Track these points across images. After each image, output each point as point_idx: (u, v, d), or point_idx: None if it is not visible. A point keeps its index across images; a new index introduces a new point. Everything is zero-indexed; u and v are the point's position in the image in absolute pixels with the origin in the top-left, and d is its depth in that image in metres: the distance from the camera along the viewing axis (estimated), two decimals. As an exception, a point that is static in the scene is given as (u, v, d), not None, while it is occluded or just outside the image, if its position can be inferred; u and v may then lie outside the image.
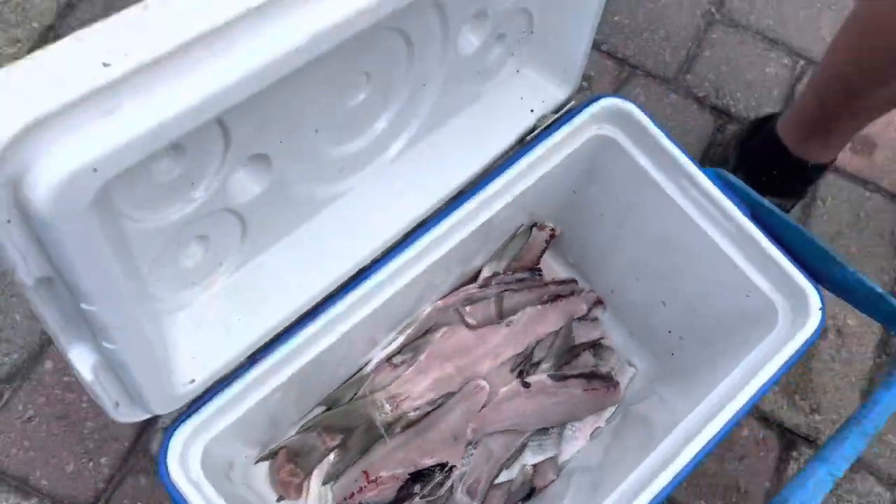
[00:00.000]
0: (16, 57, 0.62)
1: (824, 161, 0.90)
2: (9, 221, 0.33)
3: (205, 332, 0.51)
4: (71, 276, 0.36)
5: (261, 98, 0.39)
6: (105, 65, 0.33)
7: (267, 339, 0.54)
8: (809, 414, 0.92)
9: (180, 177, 0.43)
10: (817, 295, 0.64)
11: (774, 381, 0.62)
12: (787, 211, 0.95)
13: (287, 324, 0.55)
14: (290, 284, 0.55)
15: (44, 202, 0.32)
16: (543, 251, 0.88)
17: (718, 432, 0.59)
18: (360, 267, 0.59)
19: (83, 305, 0.38)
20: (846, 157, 1.04)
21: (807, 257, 0.65)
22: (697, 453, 0.58)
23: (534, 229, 0.86)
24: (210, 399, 0.54)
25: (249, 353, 0.53)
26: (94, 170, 0.33)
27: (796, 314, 0.64)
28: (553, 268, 0.90)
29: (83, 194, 0.33)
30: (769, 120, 0.95)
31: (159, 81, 0.34)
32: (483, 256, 0.82)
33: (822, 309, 0.63)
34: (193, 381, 0.50)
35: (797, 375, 0.93)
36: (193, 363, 0.50)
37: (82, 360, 0.44)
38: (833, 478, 0.54)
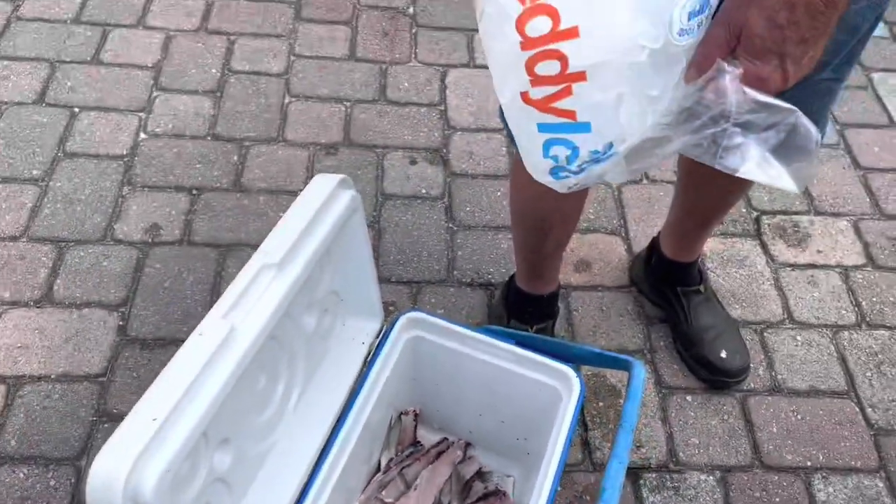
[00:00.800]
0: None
1: (553, 289, 1.34)
2: (133, 522, 0.64)
3: (230, 562, 0.79)
4: (166, 538, 0.66)
5: (219, 411, 0.72)
6: (153, 419, 0.66)
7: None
8: (638, 451, 1.29)
9: (190, 470, 0.75)
10: (571, 369, 1.03)
11: (570, 438, 0.98)
12: (552, 328, 1.37)
13: (274, 539, 0.85)
14: (267, 512, 0.85)
15: (150, 499, 0.63)
16: (415, 428, 1.22)
17: (559, 464, 0.94)
18: (304, 482, 0.90)
19: (174, 555, 0.67)
20: (573, 277, 1.50)
21: (556, 351, 1.05)
22: (553, 478, 0.92)
23: (402, 416, 1.21)
24: None
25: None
26: (169, 471, 0.64)
27: (565, 387, 1.02)
28: (427, 437, 1.23)
29: (165, 486, 0.64)
30: (513, 278, 1.39)
31: (178, 419, 0.68)
32: (376, 452, 1.15)
33: (579, 376, 1.03)
34: None
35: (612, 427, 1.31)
36: (231, 584, 0.78)
37: None
38: (623, 465, 0.90)
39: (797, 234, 1.62)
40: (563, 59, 0.61)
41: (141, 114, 1.70)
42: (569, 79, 0.62)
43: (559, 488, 1.19)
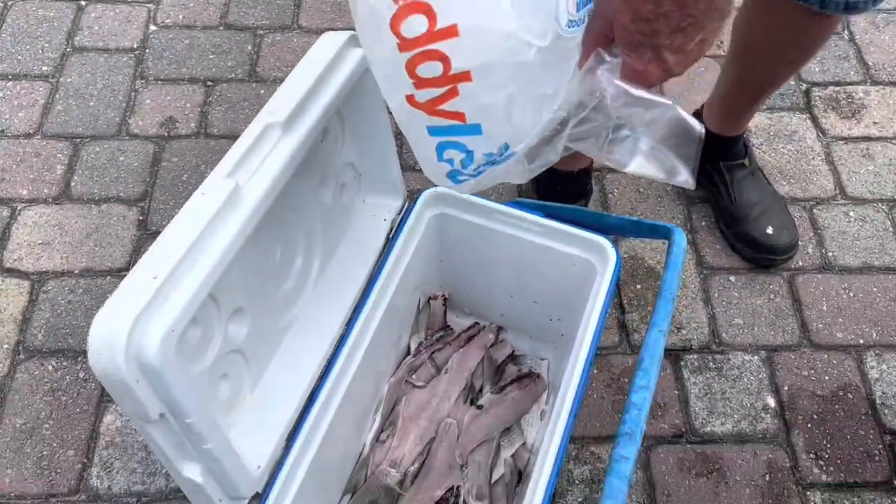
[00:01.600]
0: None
1: (583, 166, 1.27)
2: (137, 381, 0.60)
3: (252, 433, 0.76)
4: (176, 402, 0.62)
5: (227, 277, 0.68)
6: (154, 277, 0.61)
7: (292, 424, 0.80)
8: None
9: (202, 337, 0.71)
10: (607, 240, 0.96)
11: (605, 311, 0.92)
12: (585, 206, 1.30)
13: (295, 413, 0.82)
14: (287, 387, 0.82)
15: (154, 358, 0.59)
16: (445, 313, 1.18)
17: (592, 343, 0.89)
18: (325, 361, 0.86)
19: (186, 420, 0.64)
20: (611, 159, 1.42)
21: (590, 222, 0.98)
22: (577, 388, 0.87)
23: (431, 301, 1.16)
24: (273, 483, 0.78)
25: (284, 438, 0.79)
26: (172, 330, 0.60)
27: (601, 259, 0.96)
28: (458, 322, 1.19)
29: (170, 346, 0.61)
30: None
31: (180, 279, 0.63)
32: (405, 335, 1.11)
33: (614, 246, 0.96)
34: (260, 466, 0.75)
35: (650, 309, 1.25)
36: (255, 455, 0.75)
37: (192, 470, 0.68)
38: (662, 334, 0.84)
39: (851, 105, 1.50)
40: (444, 60, 0.56)
41: (150, 5, 1.62)
42: (453, 80, 0.57)
43: (594, 370, 1.14)
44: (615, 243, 0.98)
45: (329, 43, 0.83)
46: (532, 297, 1.10)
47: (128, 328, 0.58)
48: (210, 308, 0.71)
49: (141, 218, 1.33)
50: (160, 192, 1.36)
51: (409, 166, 1.40)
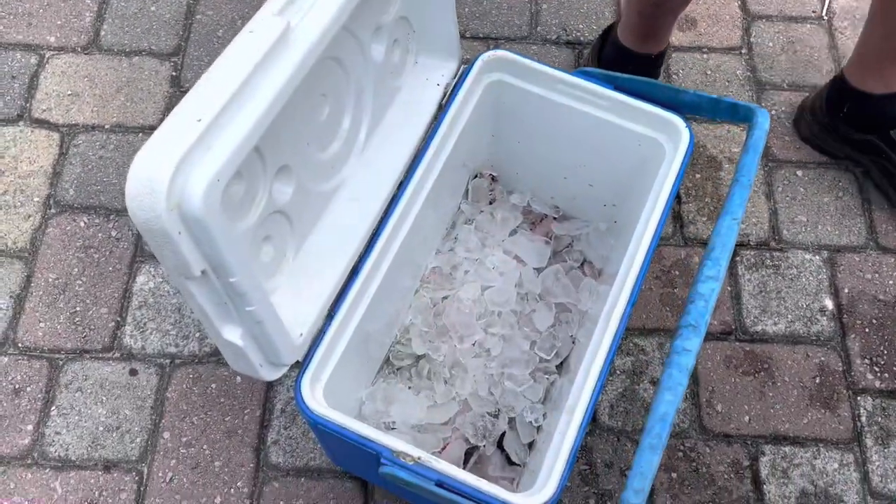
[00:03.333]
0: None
1: (662, 48, 1.16)
2: (179, 233, 0.55)
3: (294, 300, 0.72)
4: (220, 259, 0.58)
5: (273, 129, 0.61)
6: (198, 120, 0.55)
7: (335, 293, 0.75)
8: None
9: (246, 193, 0.65)
10: (680, 119, 0.88)
11: (674, 194, 0.86)
12: None
13: (339, 283, 0.77)
14: (331, 254, 0.77)
15: (198, 208, 0.54)
16: (491, 191, 1.11)
17: (657, 230, 0.83)
18: (372, 231, 0.81)
19: (230, 279, 0.59)
20: (676, 35, 1.31)
21: (662, 98, 0.89)
22: (645, 259, 0.82)
23: (477, 177, 1.10)
24: (314, 352, 0.75)
25: (327, 307, 0.75)
26: (218, 180, 0.55)
27: (671, 139, 0.88)
28: (511, 200, 1.12)
29: (215, 197, 0.55)
30: (610, 31, 1.21)
31: (227, 124, 0.57)
32: (452, 210, 1.06)
33: (688, 126, 0.88)
34: (301, 334, 0.71)
35: (714, 204, 1.18)
36: (296, 322, 0.71)
37: (233, 332, 0.65)
38: (736, 222, 0.78)
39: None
40: None
41: None
42: None
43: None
44: (688, 121, 0.90)
45: None
46: (589, 178, 1.03)
47: (170, 173, 0.53)
48: (255, 162, 0.66)
49: (174, 74, 1.26)
50: (194, 47, 1.28)
51: (464, 33, 1.30)
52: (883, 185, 1.16)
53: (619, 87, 0.91)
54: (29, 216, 1.14)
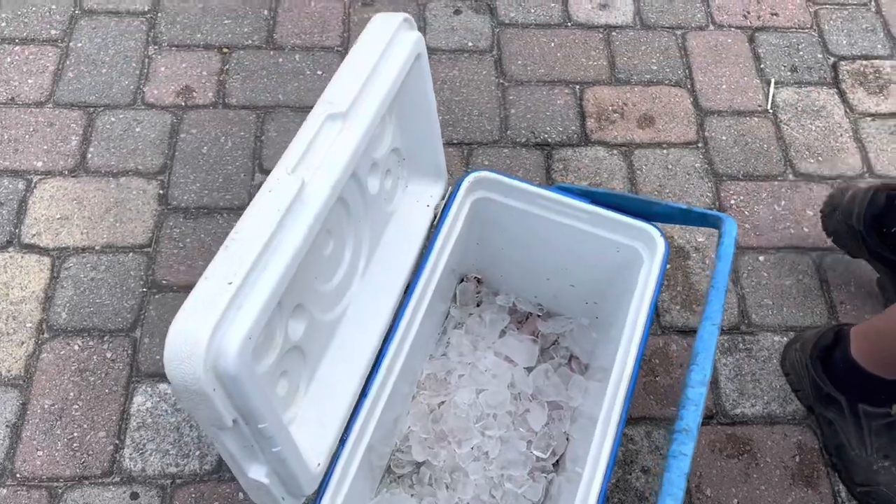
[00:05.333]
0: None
1: None
2: (214, 390, 0.59)
3: (309, 431, 0.75)
4: (250, 407, 0.61)
5: (293, 274, 0.66)
6: (229, 283, 0.59)
7: (347, 417, 0.79)
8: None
9: (266, 338, 0.69)
10: (655, 228, 0.95)
11: (656, 298, 0.92)
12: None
13: (350, 405, 0.81)
14: (341, 379, 0.81)
15: (233, 366, 0.58)
16: (476, 294, 1.17)
17: (639, 347, 0.88)
18: (377, 351, 0.85)
19: (259, 425, 0.63)
20: (637, 133, 1.40)
21: (637, 210, 0.97)
22: (635, 362, 0.87)
23: (464, 282, 1.15)
24: (329, 478, 0.78)
25: (340, 433, 0.78)
26: (250, 338, 0.59)
27: (650, 248, 0.95)
28: (497, 301, 1.17)
29: (247, 354, 0.59)
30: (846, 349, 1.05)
31: (255, 282, 0.61)
32: (443, 315, 1.10)
33: (662, 235, 0.95)
34: (319, 464, 0.74)
35: (686, 292, 1.25)
36: (313, 452, 0.74)
37: (259, 472, 0.67)
38: (715, 327, 0.84)
39: (879, 80, 1.49)
40: None
41: (159, -35, 1.55)
42: None
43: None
44: (663, 231, 0.97)
45: (382, 26, 0.80)
46: (569, 280, 1.09)
47: (207, 337, 0.57)
48: (276, 309, 0.70)
49: (161, 192, 1.30)
50: (180, 165, 1.32)
51: (450, 144, 1.37)
52: None
53: (595, 201, 0.98)
54: (22, 342, 1.15)
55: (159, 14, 1.49)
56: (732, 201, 1.34)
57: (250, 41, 1.47)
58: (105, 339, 1.16)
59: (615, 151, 1.38)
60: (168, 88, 1.40)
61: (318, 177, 0.68)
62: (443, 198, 0.99)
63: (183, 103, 1.38)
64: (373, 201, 0.88)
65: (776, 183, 1.36)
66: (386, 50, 0.79)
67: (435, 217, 0.97)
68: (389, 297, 0.89)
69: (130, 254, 1.24)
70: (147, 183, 1.30)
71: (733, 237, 0.90)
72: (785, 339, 1.21)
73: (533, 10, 1.56)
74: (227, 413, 0.61)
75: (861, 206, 1.15)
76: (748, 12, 1.57)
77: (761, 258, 1.29)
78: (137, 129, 1.35)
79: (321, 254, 0.80)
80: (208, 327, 0.57)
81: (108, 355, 1.15)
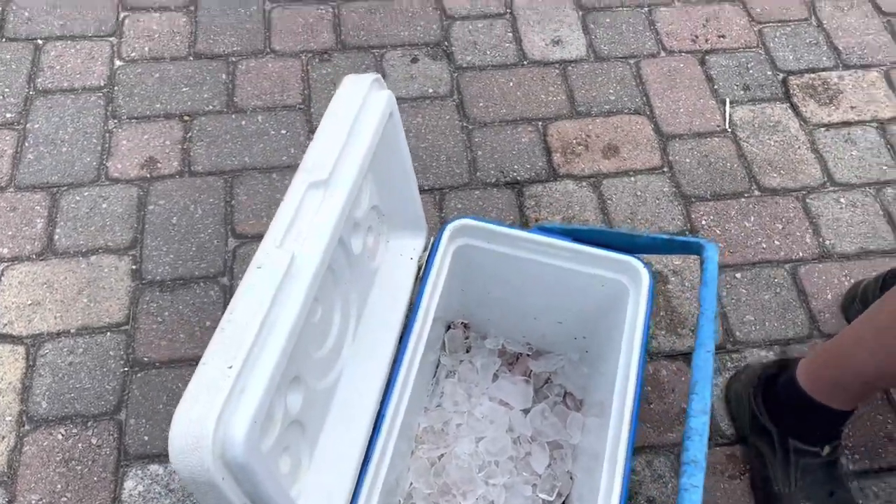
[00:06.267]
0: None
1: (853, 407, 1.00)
2: (223, 479, 0.57)
3: (318, 502, 0.74)
4: (259, 491, 0.60)
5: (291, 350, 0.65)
6: (229, 367, 0.58)
7: (352, 487, 0.77)
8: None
9: (268, 417, 0.68)
10: (638, 261, 0.96)
11: (647, 329, 0.93)
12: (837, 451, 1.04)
13: (355, 473, 0.79)
14: (343, 447, 0.79)
15: (241, 454, 0.56)
16: (465, 338, 1.16)
17: (637, 381, 0.88)
18: (375, 413, 0.84)
19: (273, 509, 0.61)
20: (603, 163, 1.42)
21: (620, 244, 0.98)
22: (635, 397, 0.87)
23: (451, 328, 1.15)
24: (342, 550, 0.76)
25: (348, 501, 0.77)
26: (255, 422, 0.57)
27: (635, 281, 0.96)
28: (477, 344, 1.17)
29: (254, 439, 0.58)
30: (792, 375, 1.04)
31: (255, 363, 0.60)
32: (434, 364, 1.09)
33: (647, 266, 0.96)
34: (331, 537, 0.73)
35: (670, 317, 1.26)
36: (325, 527, 0.73)
37: (273, 555, 0.65)
38: (710, 354, 0.85)
39: (828, 91, 1.54)
40: None
41: (112, 38, 1.54)
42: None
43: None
44: (647, 263, 0.98)
45: (353, 88, 0.81)
46: (557, 318, 1.10)
47: (212, 426, 0.55)
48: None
49: (134, 267, 1.27)
50: (151, 237, 1.30)
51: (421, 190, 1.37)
52: None
53: (577, 238, 0.99)
54: (3, 437, 1.11)
55: (116, 87, 1.47)
56: (703, 222, 1.36)
57: (211, 106, 1.46)
58: (89, 424, 1.13)
59: (584, 183, 1.40)
60: (132, 161, 1.38)
61: (306, 248, 0.68)
62: (425, 249, 0.98)
63: (148, 175, 1.37)
64: (357, 261, 0.88)
65: (743, 200, 1.39)
66: (360, 112, 0.79)
67: (419, 269, 0.96)
68: (382, 356, 0.88)
69: (108, 333, 1.21)
70: (119, 259, 1.28)
71: (715, 262, 0.91)
72: (771, 353, 1.23)
73: (488, 52, 1.58)
74: (238, 500, 0.59)
75: (874, 293, 1.17)
76: (696, 36, 1.62)
77: (738, 275, 1.31)
78: (104, 206, 1.33)
79: (311, 322, 0.79)
80: (213, 416, 0.56)
81: (94, 441, 1.12)
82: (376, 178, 0.90)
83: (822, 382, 0.99)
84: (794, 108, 1.51)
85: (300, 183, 0.72)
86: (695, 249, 0.94)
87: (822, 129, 1.49)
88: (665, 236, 0.95)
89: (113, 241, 1.30)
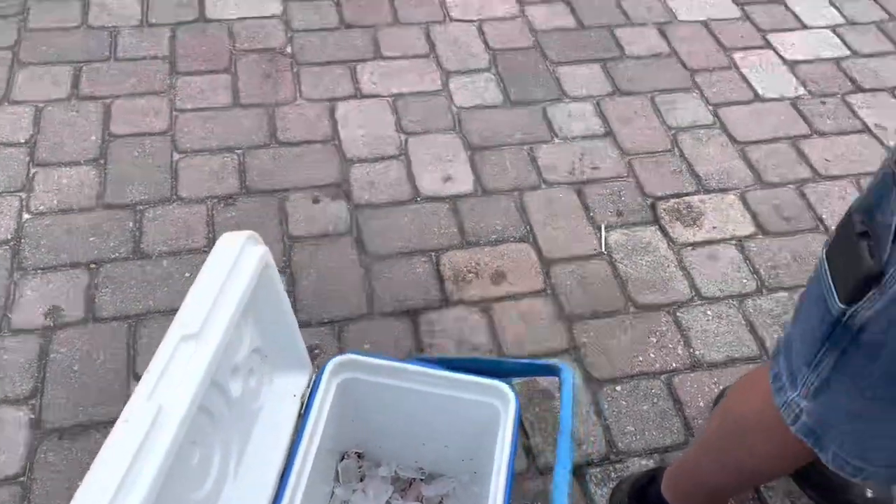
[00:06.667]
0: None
1: None
2: None
3: None
4: None
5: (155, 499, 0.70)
6: None
7: None
8: (580, 447, 1.32)
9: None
10: (506, 384, 1.05)
11: (514, 449, 1.00)
12: None
13: None
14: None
15: None
16: (359, 468, 1.21)
17: (504, 500, 0.95)
18: (257, 551, 0.88)
19: None
20: (491, 289, 1.53)
21: (489, 369, 1.06)
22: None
23: (345, 458, 1.20)
24: None
25: None
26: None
27: (504, 403, 1.04)
28: (372, 472, 1.22)
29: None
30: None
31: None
32: (328, 487, 1.13)
33: (512, 388, 1.04)
34: None
35: (550, 430, 1.33)
36: None
37: None
38: (566, 470, 0.92)
39: (691, 213, 1.71)
40: None
41: (21, 193, 1.61)
42: None
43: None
44: (512, 385, 1.06)
45: (228, 245, 0.89)
46: (443, 442, 1.16)
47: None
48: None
49: (33, 416, 1.29)
50: (51, 386, 1.33)
51: (305, 322, 1.45)
52: None
53: (451, 367, 1.07)
54: None
55: (23, 240, 1.53)
56: (584, 339, 1.47)
57: (117, 254, 1.53)
58: (-21, 584, 1.11)
59: (474, 309, 1.50)
60: (35, 311, 1.42)
61: (174, 399, 0.74)
62: (308, 385, 1.05)
63: (52, 324, 1.41)
64: (237, 403, 0.94)
65: (620, 317, 1.51)
66: (233, 267, 0.87)
67: (302, 405, 1.03)
68: (264, 492, 0.92)
69: (3, 487, 1.21)
70: (17, 410, 1.30)
71: (570, 383, 1.00)
72: (651, 462, 1.31)
73: (385, 191, 1.71)
74: None
75: None
76: (573, 169, 1.78)
77: (618, 388, 1.40)
78: (5, 357, 1.36)
79: (188, 465, 0.83)
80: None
81: None
82: (256, 323, 0.98)
83: (679, 492, 1.09)
84: (662, 230, 1.67)
85: (173, 336, 0.79)
86: (553, 372, 1.03)
87: (688, 248, 1.64)
88: (526, 361, 1.05)
89: (12, 391, 1.32)
